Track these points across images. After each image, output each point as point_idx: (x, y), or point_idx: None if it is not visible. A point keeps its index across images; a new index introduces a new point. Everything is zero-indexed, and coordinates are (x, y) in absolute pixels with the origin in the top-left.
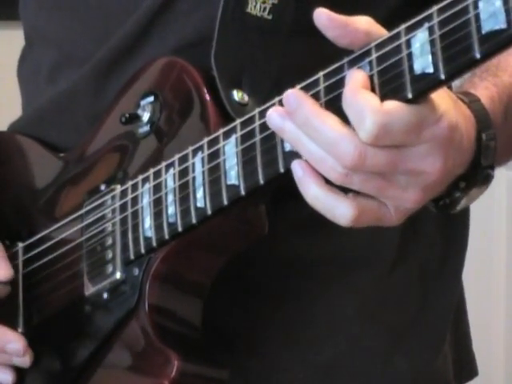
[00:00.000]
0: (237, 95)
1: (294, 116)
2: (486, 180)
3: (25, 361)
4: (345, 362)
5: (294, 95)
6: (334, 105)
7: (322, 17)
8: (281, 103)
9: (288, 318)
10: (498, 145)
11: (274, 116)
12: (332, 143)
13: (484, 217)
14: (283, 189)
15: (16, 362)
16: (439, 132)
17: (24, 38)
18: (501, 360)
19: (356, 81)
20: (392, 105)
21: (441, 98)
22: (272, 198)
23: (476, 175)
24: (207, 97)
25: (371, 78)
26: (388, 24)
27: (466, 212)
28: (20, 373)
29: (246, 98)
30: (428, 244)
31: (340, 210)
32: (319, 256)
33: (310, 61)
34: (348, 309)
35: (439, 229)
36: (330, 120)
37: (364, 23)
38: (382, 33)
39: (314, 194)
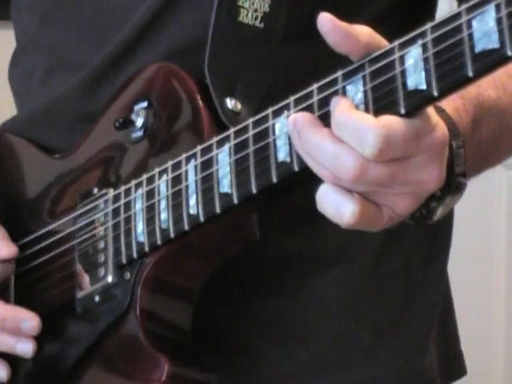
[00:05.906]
0: (230, 103)
1: (297, 137)
2: (459, 188)
3: (28, 348)
4: (329, 358)
5: (296, 119)
6: (328, 118)
7: (327, 22)
8: (274, 114)
9: (274, 314)
10: (467, 153)
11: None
12: (332, 158)
13: (484, 217)
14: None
15: (19, 349)
16: (435, 141)
17: (16, 42)
18: (501, 360)
19: (343, 103)
20: (388, 118)
21: (430, 110)
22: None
23: (450, 183)
24: (201, 104)
25: (365, 92)
26: (377, 26)
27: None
28: (13, 373)
29: (239, 106)
30: (412, 242)
31: (346, 206)
32: (305, 252)
33: (302, 67)
34: (333, 304)
35: (423, 228)
36: (329, 134)
37: (366, 35)
38: (382, 45)
39: (323, 189)
